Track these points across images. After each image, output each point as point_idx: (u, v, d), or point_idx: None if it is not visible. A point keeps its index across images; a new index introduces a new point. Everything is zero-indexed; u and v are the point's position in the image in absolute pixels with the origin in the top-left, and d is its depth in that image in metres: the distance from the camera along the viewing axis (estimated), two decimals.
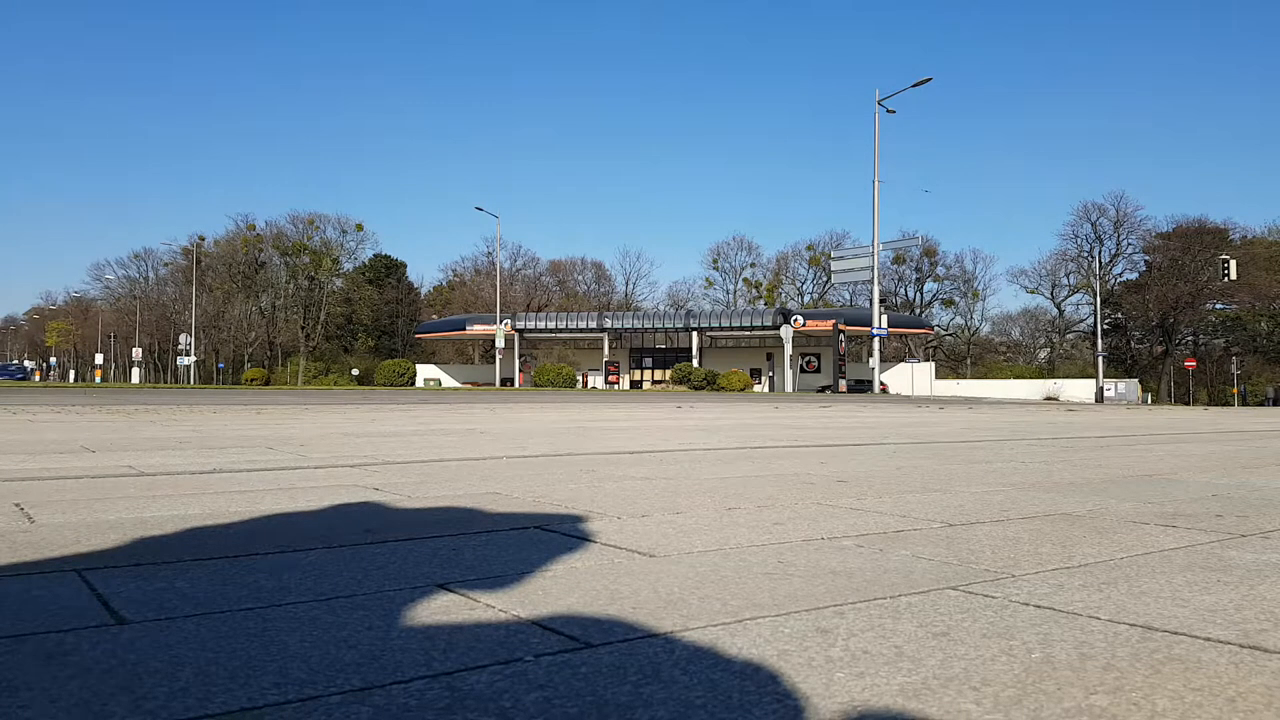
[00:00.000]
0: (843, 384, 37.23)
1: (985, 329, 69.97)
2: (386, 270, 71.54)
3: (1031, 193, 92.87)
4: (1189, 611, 1.42)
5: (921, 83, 30.51)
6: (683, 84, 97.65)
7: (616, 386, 47.89)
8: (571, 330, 48.83)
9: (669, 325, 48.61)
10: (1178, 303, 54.88)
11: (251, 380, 55.61)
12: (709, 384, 39.09)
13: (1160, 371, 55.73)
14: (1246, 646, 1.22)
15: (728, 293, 72.27)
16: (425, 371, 50.98)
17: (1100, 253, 61.09)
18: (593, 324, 48.46)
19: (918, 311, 66.08)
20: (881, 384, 36.65)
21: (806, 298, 68.73)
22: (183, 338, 56.24)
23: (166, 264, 74.46)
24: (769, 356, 47.95)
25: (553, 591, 1.50)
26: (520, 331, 48.03)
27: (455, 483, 3.06)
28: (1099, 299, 46.70)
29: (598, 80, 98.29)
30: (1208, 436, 7.05)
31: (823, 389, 42.70)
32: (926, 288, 69.33)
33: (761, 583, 1.59)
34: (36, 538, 1.93)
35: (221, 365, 68.29)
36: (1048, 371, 57.56)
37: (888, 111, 31.53)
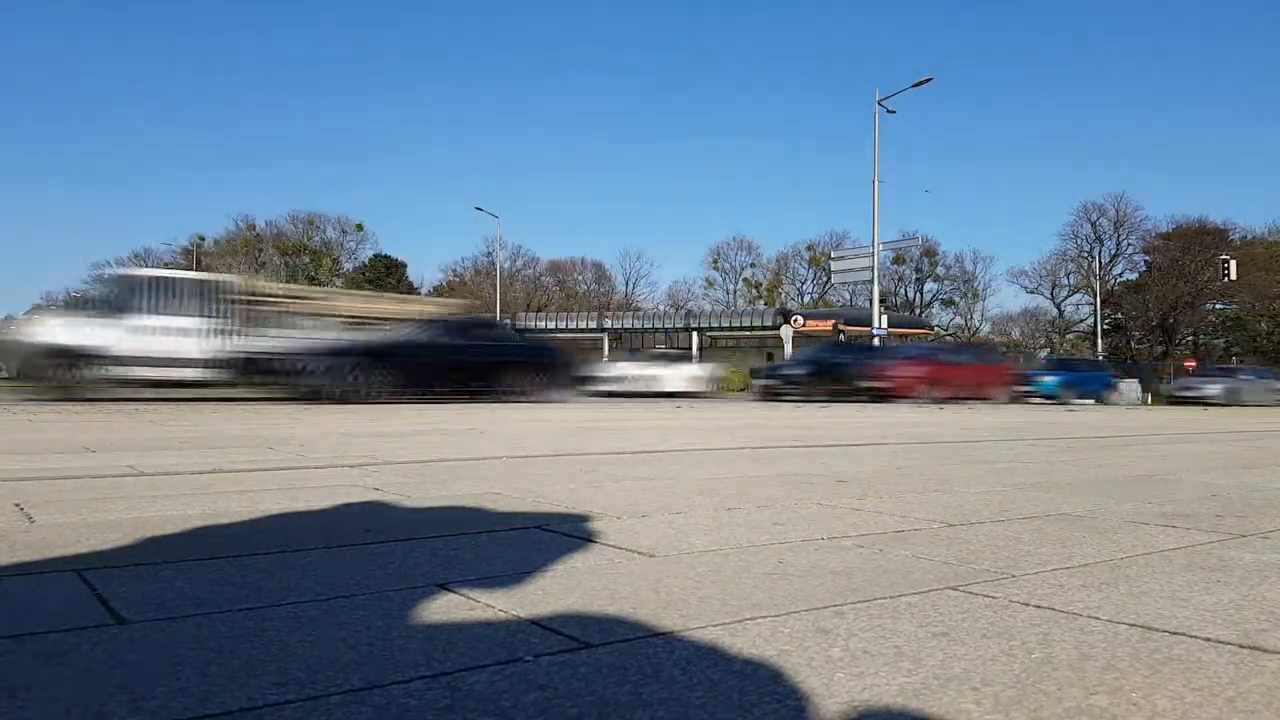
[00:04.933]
0: None
1: (985, 329, 69.97)
2: (386, 270, 71.49)
3: (1031, 193, 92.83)
4: (1189, 611, 1.42)
5: (922, 83, 30.48)
6: (683, 84, 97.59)
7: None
8: (571, 330, 48.80)
9: (669, 325, 48.60)
10: (1178, 303, 54.88)
11: None
12: None
13: (1160, 371, 55.72)
14: (1246, 647, 1.22)
15: (728, 293, 72.27)
16: None
17: (1100, 253, 61.12)
18: (593, 324, 48.46)
19: (918, 311, 66.06)
20: None
21: (806, 298, 68.71)
22: None
23: (166, 264, 74.52)
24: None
25: (553, 591, 1.50)
26: (520, 332, 48.01)
27: (455, 483, 3.06)
28: (1099, 299, 46.68)
29: (598, 80, 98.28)
30: (1207, 436, 7.05)
31: None
32: (926, 288, 69.37)
33: (761, 583, 1.59)
34: (36, 538, 1.93)
35: None
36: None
37: (888, 111, 31.50)
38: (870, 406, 14.82)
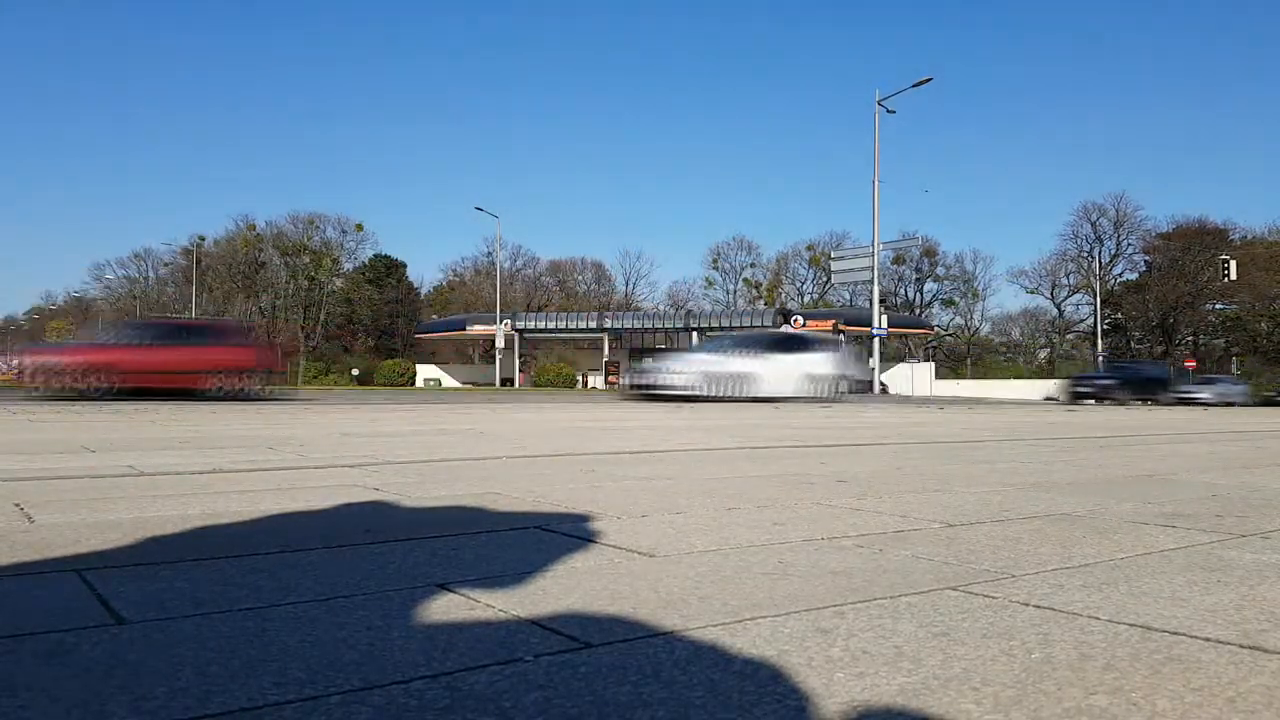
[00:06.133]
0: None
1: (985, 329, 70.04)
2: (387, 270, 71.45)
3: (1031, 193, 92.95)
4: (1189, 612, 1.42)
5: (922, 83, 30.48)
6: (683, 84, 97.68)
7: (616, 386, 47.87)
8: (571, 330, 48.84)
9: (669, 325, 48.61)
10: (1178, 303, 54.92)
11: None
12: None
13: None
14: (1246, 647, 1.22)
15: (728, 293, 72.30)
16: (425, 372, 51.00)
17: (1100, 253, 61.16)
18: (593, 324, 48.47)
19: (918, 312, 66.08)
20: (882, 384, 36.63)
21: (806, 298, 68.71)
22: None
23: (166, 264, 74.45)
24: None
25: (552, 591, 1.50)
26: (520, 331, 48.02)
27: (455, 483, 3.06)
28: (1099, 299, 46.70)
29: (598, 80, 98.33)
30: (1207, 436, 7.05)
31: None
32: (926, 288, 69.41)
33: (761, 583, 1.59)
34: (36, 538, 1.93)
35: None
36: (1048, 372, 57.51)
37: (888, 111, 31.49)
38: (869, 406, 14.81)
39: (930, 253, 66.34)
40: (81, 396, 12.25)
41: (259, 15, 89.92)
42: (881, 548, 1.96)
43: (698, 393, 14.62)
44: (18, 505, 2.38)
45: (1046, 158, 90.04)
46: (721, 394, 14.79)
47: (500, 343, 44.66)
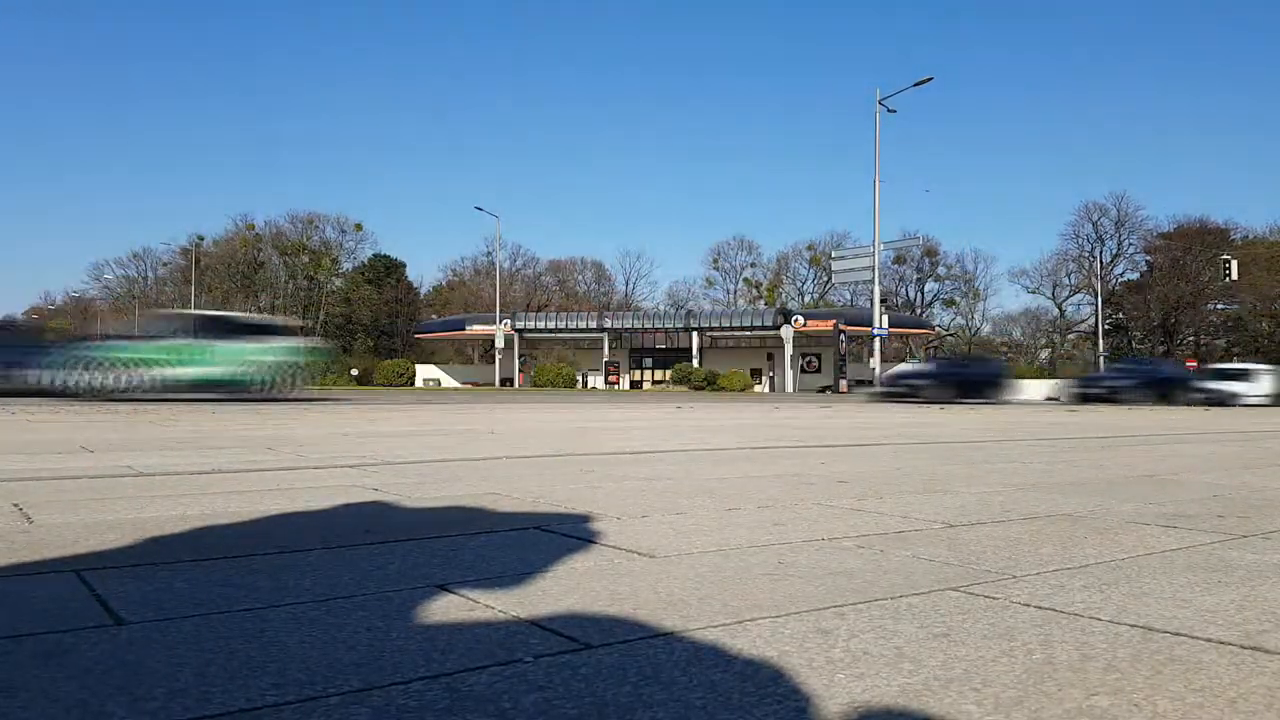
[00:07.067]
0: (844, 384, 37.17)
1: (986, 329, 69.95)
2: (386, 270, 71.41)
3: (1032, 193, 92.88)
4: (1190, 612, 1.42)
5: (922, 82, 30.48)
6: (683, 84, 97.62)
7: (616, 387, 47.88)
8: (571, 330, 48.80)
9: (669, 325, 48.59)
10: (1179, 303, 54.91)
11: None
12: (709, 384, 39.06)
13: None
14: (1248, 648, 1.22)
15: (728, 293, 72.27)
16: (425, 372, 51.00)
17: (1101, 253, 61.09)
18: (593, 324, 48.44)
19: (919, 311, 66.04)
20: None
21: (807, 298, 68.68)
22: None
23: (165, 264, 74.42)
24: (770, 356, 47.89)
25: (552, 592, 1.50)
26: (520, 331, 48.00)
27: (454, 483, 3.05)
28: (1100, 299, 46.71)
29: (598, 80, 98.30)
30: (1208, 437, 7.05)
31: (823, 389, 42.68)
32: (927, 288, 69.35)
33: (762, 583, 1.59)
34: (35, 538, 1.92)
35: None
36: (1049, 372, 57.53)
37: (888, 111, 31.49)
38: (870, 406, 14.81)
39: (931, 252, 66.32)
40: None
41: (259, 14, 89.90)
42: (882, 548, 1.95)
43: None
44: (16, 505, 2.38)
45: (1047, 157, 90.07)
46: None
47: (500, 343, 44.67)
